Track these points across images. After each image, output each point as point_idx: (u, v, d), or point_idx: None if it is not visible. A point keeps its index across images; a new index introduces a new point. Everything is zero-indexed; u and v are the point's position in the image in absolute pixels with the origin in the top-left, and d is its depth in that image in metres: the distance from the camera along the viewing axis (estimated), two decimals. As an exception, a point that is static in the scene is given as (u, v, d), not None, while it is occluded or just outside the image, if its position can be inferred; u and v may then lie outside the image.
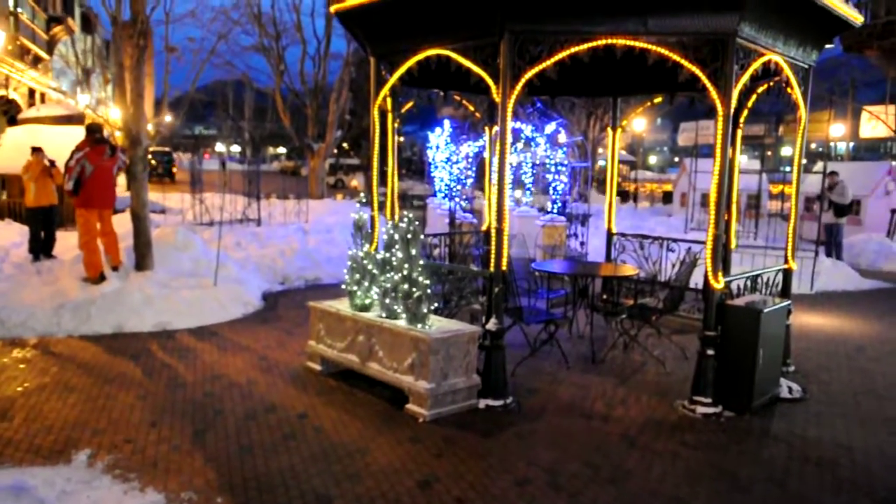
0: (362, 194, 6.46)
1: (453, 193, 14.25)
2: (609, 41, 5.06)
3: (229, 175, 15.01)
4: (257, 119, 41.96)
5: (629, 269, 7.30)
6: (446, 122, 14.85)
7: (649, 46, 5.06)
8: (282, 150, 63.15)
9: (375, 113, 6.46)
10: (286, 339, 7.23)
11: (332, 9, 6.36)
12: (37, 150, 10.35)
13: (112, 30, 9.35)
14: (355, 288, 5.94)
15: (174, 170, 33.77)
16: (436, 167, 15.22)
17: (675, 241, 8.21)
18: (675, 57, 5.04)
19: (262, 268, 10.14)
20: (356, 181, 36.75)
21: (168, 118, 22.59)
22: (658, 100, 8.44)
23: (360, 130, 35.41)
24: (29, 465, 4.21)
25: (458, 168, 14.27)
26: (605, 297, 8.08)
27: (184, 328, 7.50)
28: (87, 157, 8.42)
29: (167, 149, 34.47)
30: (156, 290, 7.87)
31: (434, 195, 16.05)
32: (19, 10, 19.74)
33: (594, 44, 5.07)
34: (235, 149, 51.86)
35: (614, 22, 5.03)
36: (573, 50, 5.08)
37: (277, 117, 27.18)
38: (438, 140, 15.01)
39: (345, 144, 43.04)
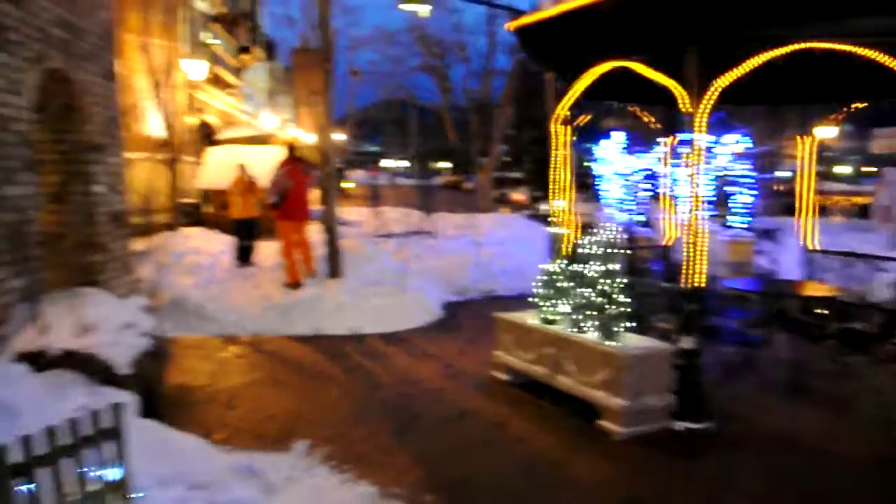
0: (554, 204, 6.44)
1: (628, 207, 13.87)
2: (809, 45, 4.72)
3: (400, 190, 15.73)
4: (422, 135, 43.60)
5: (831, 290, 6.70)
6: (618, 134, 14.50)
7: (853, 49, 4.67)
8: (444, 164, 64.98)
9: (557, 127, 6.47)
10: (468, 348, 7.41)
11: (511, 26, 6.48)
12: (241, 167, 11.48)
13: (297, 57, 10.20)
14: (545, 302, 5.96)
15: (348, 185, 35.92)
16: (604, 180, 14.90)
17: (888, 259, 7.41)
18: (885, 60, 4.60)
19: (440, 279, 10.49)
20: (520, 195, 36.77)
21: (343, 136, 24.17)
22: (861, 105, 7.70)
23: (521, 145, 35.61)
24: (255, 451, 4.63)
25: (632, 181, 13.88)
26: (805, 319, 7.46)
27: (374, 333, 7.94)
28: (288, 173, 9.22)
29: (340, 165, 36.81)
30: (348, 297, 8.43)
31: (602, 209, 15.71)
32: (217, 41, 22.09)
33: (790, 48, 4.74)
34: (402, 164, 54.20)
35: (815, 25, 4.70)
36: (766, 56, 4.80)
37: (441, 133, 28.07)
38: (608, 153, 14.68)
39: (506, 158, 43.47)
